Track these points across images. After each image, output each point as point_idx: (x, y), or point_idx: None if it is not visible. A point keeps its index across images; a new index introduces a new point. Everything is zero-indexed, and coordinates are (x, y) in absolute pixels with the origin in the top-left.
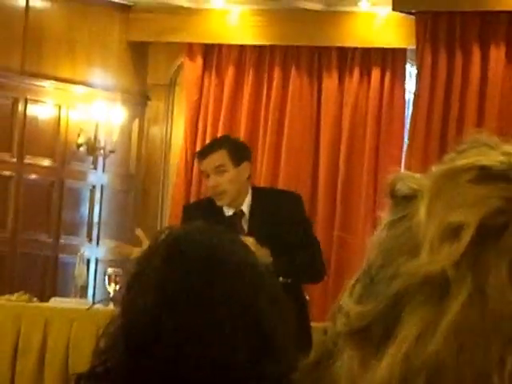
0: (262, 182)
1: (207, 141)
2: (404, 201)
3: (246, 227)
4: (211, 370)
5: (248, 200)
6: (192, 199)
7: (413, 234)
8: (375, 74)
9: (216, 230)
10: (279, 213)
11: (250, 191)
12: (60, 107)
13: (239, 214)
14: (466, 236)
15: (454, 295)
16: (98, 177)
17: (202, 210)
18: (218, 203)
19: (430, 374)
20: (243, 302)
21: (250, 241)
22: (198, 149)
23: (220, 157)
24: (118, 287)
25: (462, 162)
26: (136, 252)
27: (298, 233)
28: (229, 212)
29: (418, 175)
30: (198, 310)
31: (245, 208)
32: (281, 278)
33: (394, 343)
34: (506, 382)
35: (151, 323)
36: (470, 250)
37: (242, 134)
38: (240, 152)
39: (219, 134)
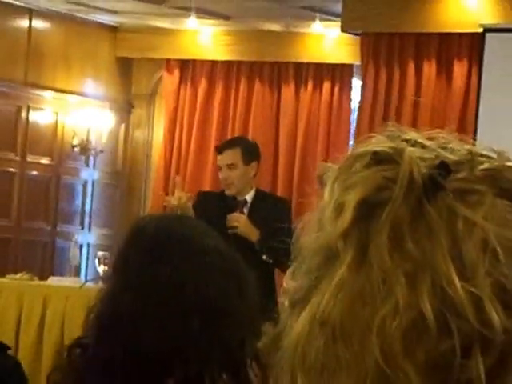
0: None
1: (184, 144)
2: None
3: (246, 212)
4: (167, 344)
5: (252, 193)
6: (170, 193)
7: (321, 214)
8: (326, 85)
9: (181, 217)
10: (270, 213)
11: (254, 188)
12: (57, 113)
13: (243, 201)
14: (348, 212)
15: (340, 261)
16: (90, 173)
17: (214, 195)
18: (227, 192)
19: (323, 329)
20: (195, 284)
21: (242, 218)
22: (175, 150)
23: (233, 155)
24: (106, 268)
25: (360, 149)
26: (173, 199)
27: (280, 231)
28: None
29: (335, 166)
30: (152, 292)
31: (248, 198)
32: (264, 257)
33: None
34: (382, 338)
35: (113, 305)
36: (355, 223)
37: (212, 137)
38: (251, 153)
39: (193, 137)
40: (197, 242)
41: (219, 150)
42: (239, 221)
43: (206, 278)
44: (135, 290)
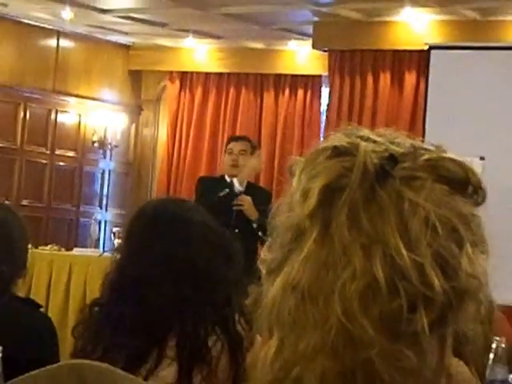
0: (218, 168)
1: (183, 140)
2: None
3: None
4: (165, 303)
5: (245, 182)
6: (172, 181)
7: (291, 198)
8: (300, 93)
9: (176, 199)
10: (257, 199)
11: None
12: (80, 115)
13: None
14: (312, 197)
15: (307, 237)
16: (107, 164)
17: (214, 179)
18: (232, 172)
19: (294, 292)
20: (185, 253)
21: (249, 199)
22: (176, 145)
23: (246, 145)
24: (120, 241)
25: (323, 144)
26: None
27: (262, 213)
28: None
29: (302, 159)
30: (150, 262)
31: (243, 185)
32: (260, 233)
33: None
34: (343, 298)
35: (120, 272)
36: (319, 205)
37: (207, 135)
38: (255, 152)
39: (191, 135)
40: (187, 219)
41: (237, 138)
42: (245, 201)
43: (195, 249)
44: (137, 260)
